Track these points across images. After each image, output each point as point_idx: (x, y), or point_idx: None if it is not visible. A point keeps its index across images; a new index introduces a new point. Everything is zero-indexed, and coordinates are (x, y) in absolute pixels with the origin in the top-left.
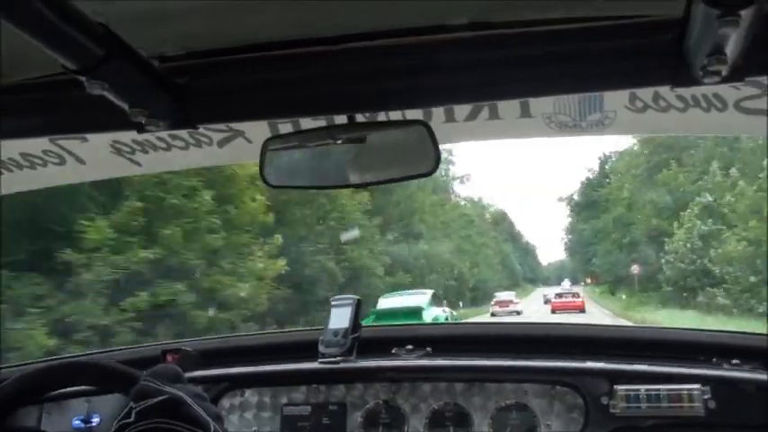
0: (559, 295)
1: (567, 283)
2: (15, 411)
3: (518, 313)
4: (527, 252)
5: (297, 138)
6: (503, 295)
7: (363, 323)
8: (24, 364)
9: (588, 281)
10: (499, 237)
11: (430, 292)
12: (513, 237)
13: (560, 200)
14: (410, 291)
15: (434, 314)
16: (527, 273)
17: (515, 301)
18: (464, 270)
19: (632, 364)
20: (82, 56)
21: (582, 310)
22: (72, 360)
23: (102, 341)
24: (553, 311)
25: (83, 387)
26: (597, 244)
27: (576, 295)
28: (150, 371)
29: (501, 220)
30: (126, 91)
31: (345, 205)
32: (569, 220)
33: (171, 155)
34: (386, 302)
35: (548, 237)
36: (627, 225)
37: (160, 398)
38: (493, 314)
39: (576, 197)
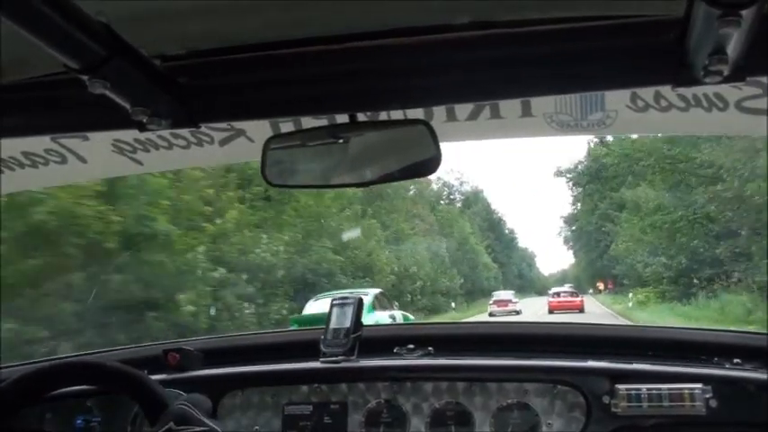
0: (557, 294)
1: (567, 287)
2: (18, 411)
3: (517, 313)
4: (510, 246)
5: (298, 137)
6: (501, 294)
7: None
8: (24, 364)
9: (599, 286)
10: (453, 211)
11: (373, 291)
12: (493, 225)
13: (559, 174)
14: (348, 290)
15: (376, 318)
16: (513, 277)
17: (514, 300)
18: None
19: (634, 363)
20: (84, 55)
21: (581, 309)
22: (92, 361)
23: None
24: (551, 311)
25: (85, 387)
26: (620, 220)
27: (574, 294)
28: (187, 397)
29: (473, 201)
30: (128, 90)
31: None
32: (572, 207)
33: (173, 154)
34: (315, 306)
35: (549, 246)
36: None
37: (202, 428)
38: (491, 314)
39: (581, 167)
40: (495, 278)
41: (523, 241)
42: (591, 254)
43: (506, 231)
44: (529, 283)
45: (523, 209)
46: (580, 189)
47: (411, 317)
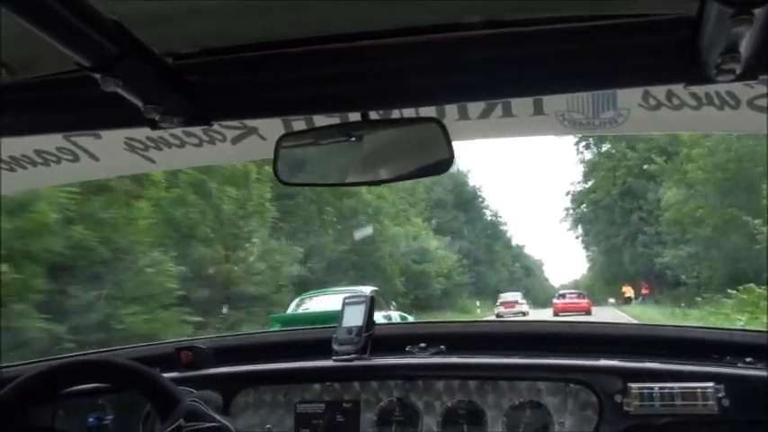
0: (563, 296)
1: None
2: (30, 409)
3: (524, 314)
4: (494, 236)
5: (310, 135)
6: (508, 296)
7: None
8: (36, 362)
9: (626, 292)
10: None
11: (367, 290)
12: (465, 201)
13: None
14: (338, 288)
15: None
16: (496, 281)
17: (521, 301)
18: None
19: (646, 362)
20: (96, 53)
21: (587, 312)
22: (106, 359)
23: None
24: (556, 314)
25: (97, 385)
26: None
27: (581, 296)
28: (197, 394)
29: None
30: (140, 88)
31: None
32: (581, 183)
33: (185, 152)
34: (303, 305)
35: (558, 253)
36: None
37: (212, 424)
38: (498, 315)
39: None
40: (446, 277)
41: (520, 238)
42: (613, 239)
43: (487, 214)
44: (525, 293)
45: (526, 206)
46: (591, 155)
47: (410, 318)
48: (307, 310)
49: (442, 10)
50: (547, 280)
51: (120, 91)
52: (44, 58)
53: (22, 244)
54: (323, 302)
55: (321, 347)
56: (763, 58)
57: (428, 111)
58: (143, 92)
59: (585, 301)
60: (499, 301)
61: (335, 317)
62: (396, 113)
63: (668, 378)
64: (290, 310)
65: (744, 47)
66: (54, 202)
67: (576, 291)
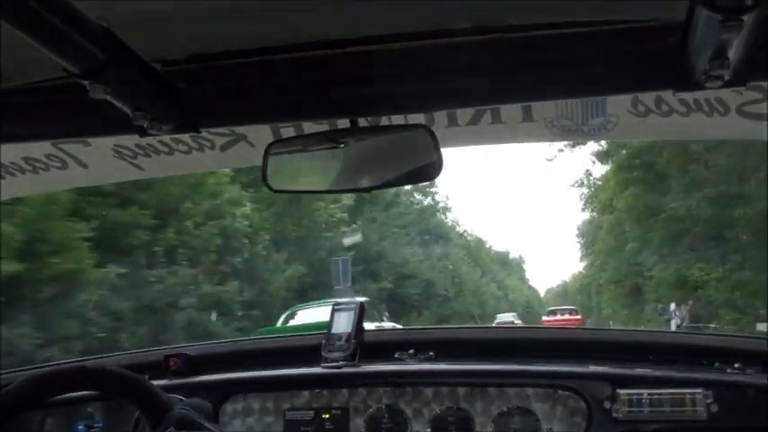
0: (553, 312)
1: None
2: (19, 417)
3: None
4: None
5: (299, 142)
6: (504, 317)
7: None
8: (26, 369)
9: None
10: None
11: (357, 301)
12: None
13: None
14: (329, 300)
15: None
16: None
17: (517, 322)
18: None
19: (634, 368)
20: (85, 60)
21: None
22: (95, 366)
23: None
24: None
25: (86, 392)
26: None
27: (573, 312)
28: (187, 402)
29: None
30: (129, 95)
31: None
32: None
33: (173, 159)
34: (293, 317)
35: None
36: None
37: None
38: None
39: None
40: None
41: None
42: None
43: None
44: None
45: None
46: None
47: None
48: (297, 323)
49: (431, 16)
50: (527, 281)
51: (108, 98)
52: (33, 65)
53: None
54: (314, 314)
55: (310, 354)
56: (751, 64)
57: (417, 117)
58: (131, 99)
59: (578, 317)
60: (495, 322)
61: (319, 328)
62: (385, 120)
63: (657, 384)
64: (279, 323)
65: (732, 53)
66: None
67: (569, 307)
